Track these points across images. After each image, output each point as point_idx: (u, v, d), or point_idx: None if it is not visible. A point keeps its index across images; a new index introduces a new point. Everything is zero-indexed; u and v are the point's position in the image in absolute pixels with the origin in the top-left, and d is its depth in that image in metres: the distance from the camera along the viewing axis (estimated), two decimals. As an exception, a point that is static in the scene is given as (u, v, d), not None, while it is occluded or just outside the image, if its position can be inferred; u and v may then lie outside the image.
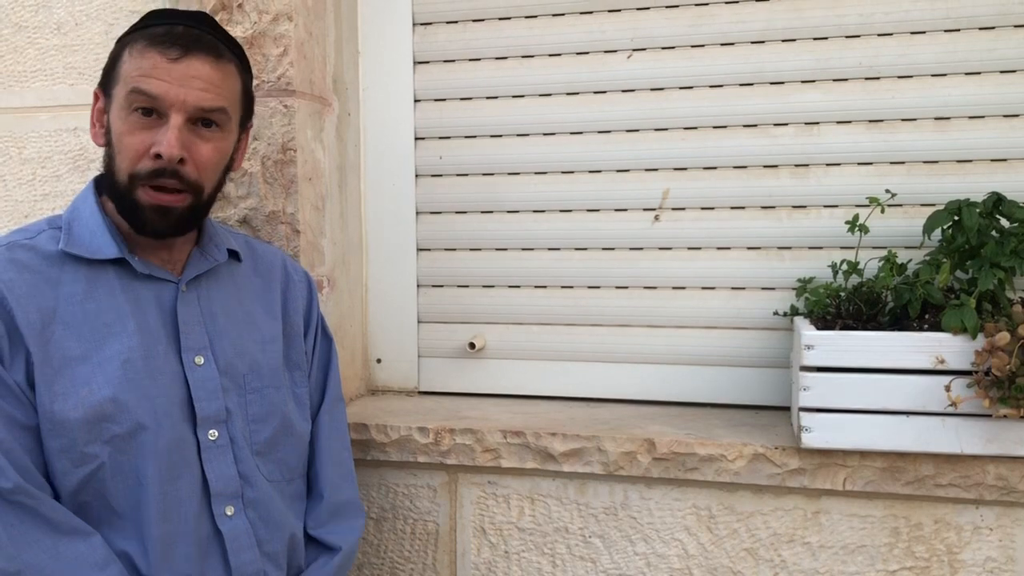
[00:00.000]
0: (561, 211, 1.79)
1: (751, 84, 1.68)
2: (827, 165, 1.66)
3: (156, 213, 1.21)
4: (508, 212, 1.82)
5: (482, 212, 1.83)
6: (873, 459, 1.43)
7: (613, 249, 1.77)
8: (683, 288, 1.75)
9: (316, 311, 1.48)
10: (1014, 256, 1.38)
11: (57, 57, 1.75)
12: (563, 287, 1.81)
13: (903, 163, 1.62)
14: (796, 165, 1.67)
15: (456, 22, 1.81)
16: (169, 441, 1.20)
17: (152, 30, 1.21)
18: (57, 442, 1.15)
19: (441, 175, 1.85)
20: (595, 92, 1.76)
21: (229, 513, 1.25)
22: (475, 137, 1.82)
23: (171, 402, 1.22)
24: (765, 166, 1.68)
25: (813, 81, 1.65)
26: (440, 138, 1.84)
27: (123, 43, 1.23)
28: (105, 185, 1.25)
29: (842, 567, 1.49)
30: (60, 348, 1.17)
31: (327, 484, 1.42)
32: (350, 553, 1.42)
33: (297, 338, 1.42)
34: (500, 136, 1.81)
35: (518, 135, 1.80)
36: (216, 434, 1.25)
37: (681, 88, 1.71)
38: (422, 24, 1.83)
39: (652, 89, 1.73)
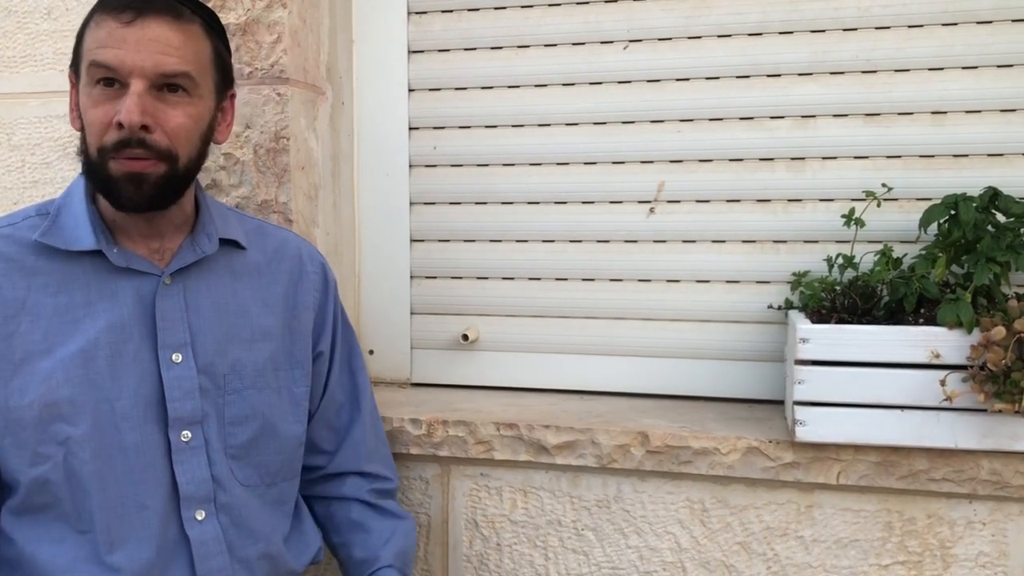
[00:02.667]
0: (556, 203, 1.78)
1: (748, 76, 1.67)
2: (823, 158, 1.65)
3: (130, 182, 1.14)
4: (502, 203, 1.81)
5: (476, 203, 1.82)
6: (867, 453, 1.42)
7: (608, 241, 1.77)
8: (677, 281, 1.74)
9: (333, 304, 1.42)
10: (1010, 251, 1.38)
11: (47, 43, 1.73)
12: (557, 279, 1.80)
13: (899, 157, 1.62)
14: (792, 158, 1.66)
15: (451, 11, 1.80)
16: (131, 443, 1.17)
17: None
18: (11, 439, 1.13)
19: (435, 165, 1.83)
20: (591, 83, 1.74)
21: (199, 517, 1.21)
22: (470, 127, 1.81)
23: (135, 403, 1.18)
24: (761, 159, 1.68)
25: (810, 74, 1.64)
26: (434, 128, 1.83)
27: (85, 20, 1.19)
28: (82, 165, 1.20)
29: (835, 561, 1.48)
30: (24, 342, 1.14)
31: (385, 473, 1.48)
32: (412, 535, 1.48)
33: (303, 334, 1.36)
34: (495, 127, 1.80)
35: (513, 126, 1.79)
36: (189, 435, 1.21)
37: (677, 80, 1.70)
38: (417, 13, 1.81)
39: (648, 81, 1.72)
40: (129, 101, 1.12)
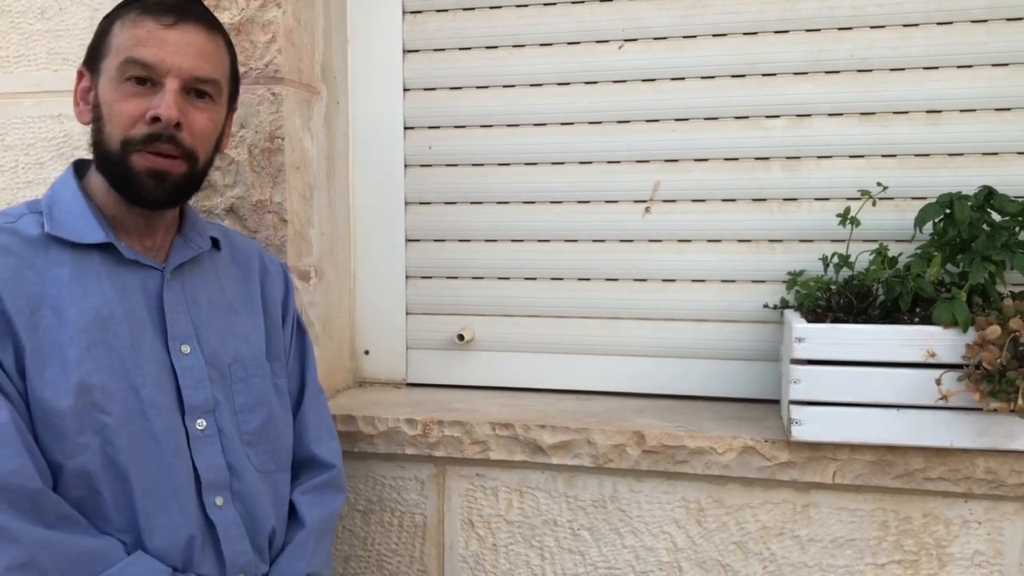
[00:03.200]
0: (551, 202, 1.78)
1: (743, 76, 1.67)
2: (818, 158, 1.65)
3: (152, 179, 1.19)
4: (498, 203, 1.81)
5: (471, 203, 1.82)
6: (863, 452, 1.42)
7: (603, 241, 1.76)
8: (673, 280, 1.74)
9: (292, 303, 1.47)
10: (1005, 250, 1.38)
11: (41, 42, 1.72)
12: (553, 279, 1.80)
13: (894, 156, 1.62)
14: (787, 157, 1.66)
15: (446, 11, 1.79)
16: (160, 430, 1.19)
17: (144, 1, 1.20)
18: (49, 432, 1.13)
19: (430, 165, 1.83)
20: (586, 82, 1.74)
21: (219, 503, 1.23)
22: (465, 127, 1.81)
23: (159, 391, 1.20)
24: (756, 158, 1.68)
25: (805, 73, 1.64)
26: (429, 128, 1.82)
27: (112, 18, 1.22)
28: (95, 158, 1.22)
29: (831, 560, 1.48)
30: (48, 335, 1.15)
31: (316, 461, 1.42)
32: (322, 528, 1.38)
33: (276, 329, 1.41)
34: (490, 126, 1.80)
35: (508, 125, 1.79)
36: (204, 423, 1.24)
37: (672, 79, 1.70)
38: (412, 12, 1.81)
39: (643, 80, 1.72)
40: (168, 98, 1.17)
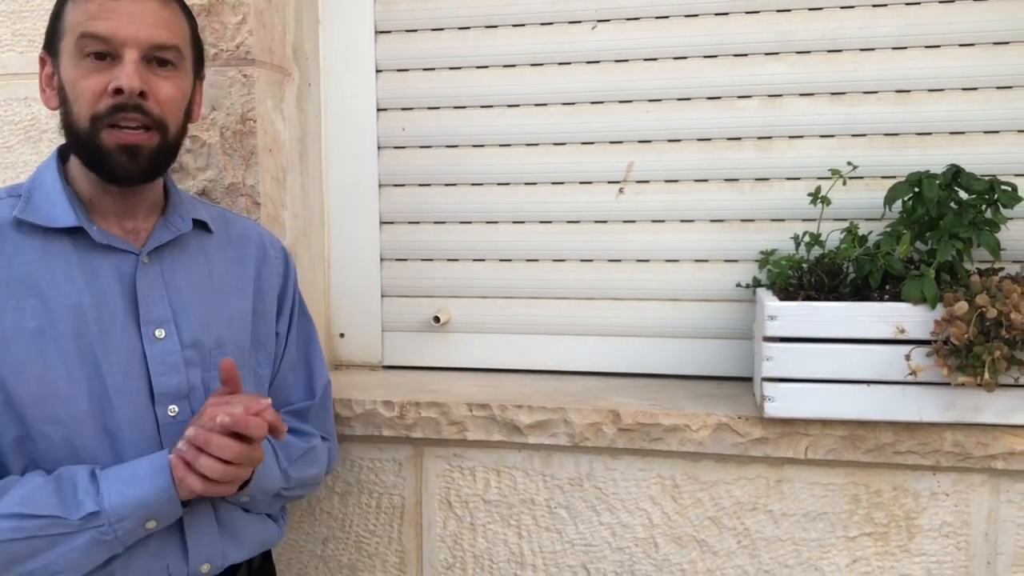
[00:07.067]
0: (526, 184, 1.78)
1: (715, 56, 1.68)
2: (790, 138, 1.67)
3: (124, 154, 1.16)
4: (472, 185, 1.81)
5: (446, 185, 1.82)
6: (834, 428, 1.45)
7: (578, 222, 1.77)
8: (647, 261, 1.75)
9: (292, 289, 1.44)
10: (972, 227, 1.41)
11: (5, 23, 1.69)
12: (528, 260, 1.80)
13: (864, 136, 1.64)
14: (759, 138, 1.68)
15: (418, -9, 1.79)
16: (124, 418, 1.17)
17: None
18: (8, 418, 1.12)
19: (404, 147, 1.83)
20: (560, 63, 1.74)
21: None
22: (438, 108, 1.80)
23: (127, 378, 1.18)
24: (729, 139, 1.69)
25: (776, 53, 1.65)
26: (403, 109, 1.82)
27: (63, 0, 1.20)
28: (68, 141, 1.20)
29: (804, 534, 1.51)
30: (13, 320, 1.14)
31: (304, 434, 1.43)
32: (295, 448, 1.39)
33: (268, 317, 1.38)
34: (463, 108, 1.79)
35: (482, 106, 1.78)
36: (176, 410, 1.22)
37: (646, 60, 1.71)
38: (384, -7, 1.80)
39: (617, 61, 1.72)
40: (128, 67, 1.14)
